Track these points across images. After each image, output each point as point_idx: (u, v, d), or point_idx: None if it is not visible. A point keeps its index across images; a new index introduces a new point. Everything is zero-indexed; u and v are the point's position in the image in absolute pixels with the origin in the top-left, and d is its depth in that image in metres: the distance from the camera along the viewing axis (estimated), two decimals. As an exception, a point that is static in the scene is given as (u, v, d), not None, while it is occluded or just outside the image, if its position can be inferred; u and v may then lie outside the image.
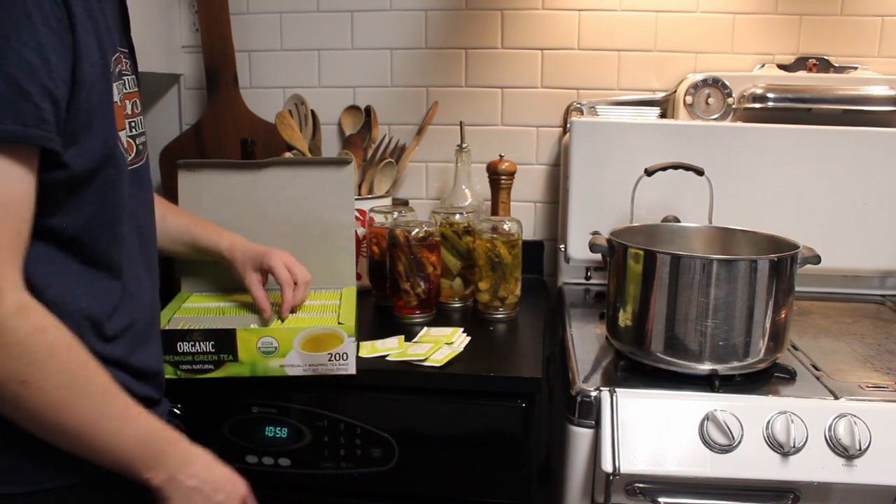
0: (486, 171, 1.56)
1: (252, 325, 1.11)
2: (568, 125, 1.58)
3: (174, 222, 1.17)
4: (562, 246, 1.52)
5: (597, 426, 1.02)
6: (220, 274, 1.24)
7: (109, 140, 0.79)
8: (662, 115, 1.60)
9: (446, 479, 1.14)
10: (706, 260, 1.03)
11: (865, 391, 1.03)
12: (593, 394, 1.03)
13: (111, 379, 0.78)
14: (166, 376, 1.05)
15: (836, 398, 1.01)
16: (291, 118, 1.59)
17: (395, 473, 1.14)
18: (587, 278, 1.57)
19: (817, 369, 1.13)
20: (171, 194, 1.36)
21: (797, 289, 1.08)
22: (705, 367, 1.05)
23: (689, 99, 1.53)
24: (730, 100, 1.52)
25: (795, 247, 1.08)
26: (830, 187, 1.44)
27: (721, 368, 1.05)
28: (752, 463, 0.96)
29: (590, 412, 1.02)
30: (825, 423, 0.97)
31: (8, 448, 0.77)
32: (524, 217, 1.67)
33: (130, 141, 0.88)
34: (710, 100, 1.52)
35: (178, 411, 1.12)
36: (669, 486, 0.99)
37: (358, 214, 1.47)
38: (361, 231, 1.48)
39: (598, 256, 1.16)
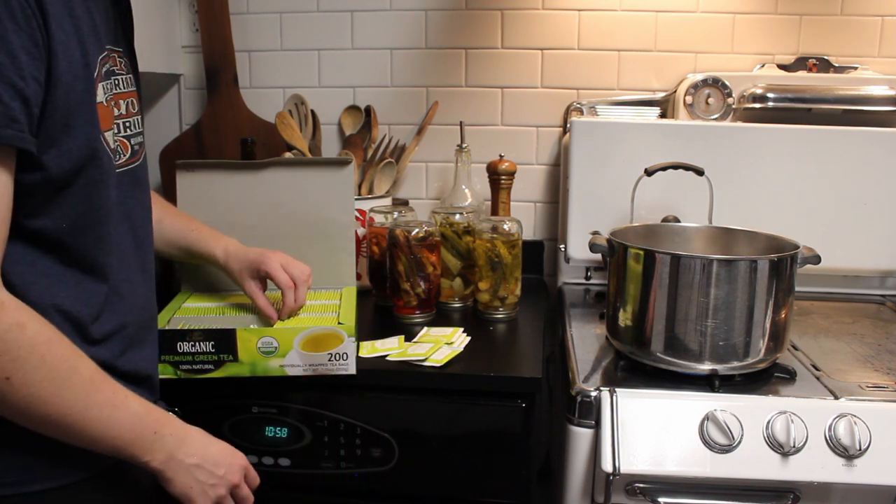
0: (486, 171, 1.56)
1: (252, 325, 1.11)
2: (568, 125, 1.58)
3: (170, 226, 1.16)
4: (562, 246, 1.52)
5: (597, 426, 1.02)
6: (220, 274, 1.24)
7: (92, 141, 0.78)
8: (662, 115, 1.60)
9: (446, 479, 1.14)
10: (706, 260, 1.03)
11: (865, 391, 1.03)
12: (593, 394, 1.03)
13: (97, 368, 0.78)
14: (166, 377, 1.06)
15: (836, 398, 1.01)
16: (291, 118, 1.59)
17: (395, 473, 1.14)
18: (587, 278, 1.57)
19: (817, 369, 1.13)
20: (170, 194, 1.35)
21: (797, 289, 1.08)
22: (705, 367, 1.05)
23: (689, 99, 1.53)
24: (730, 100, 1.52)
25: (795, 247, 1.08)
26: (830, 187, 1.44)
27: (721, 368, 1.05)
28: (752, 463, 0.96)
29: (590, 412, 1.02)
30: (825, 423, 0.97)
31: None
32: (524, 217, 1.67)
33: (124, 141, 0.87)
34: (710, 100, 1.52)
35: (178, 412, 1.12)
36: (669, 486, 0.99)
37: (358, 214, 1.47)
38: (361, 231, 1.48)
39: (598, 256, 1.16)
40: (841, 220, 1.45)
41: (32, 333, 0.72)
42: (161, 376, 1.01)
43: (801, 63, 1.57)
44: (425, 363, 1.14)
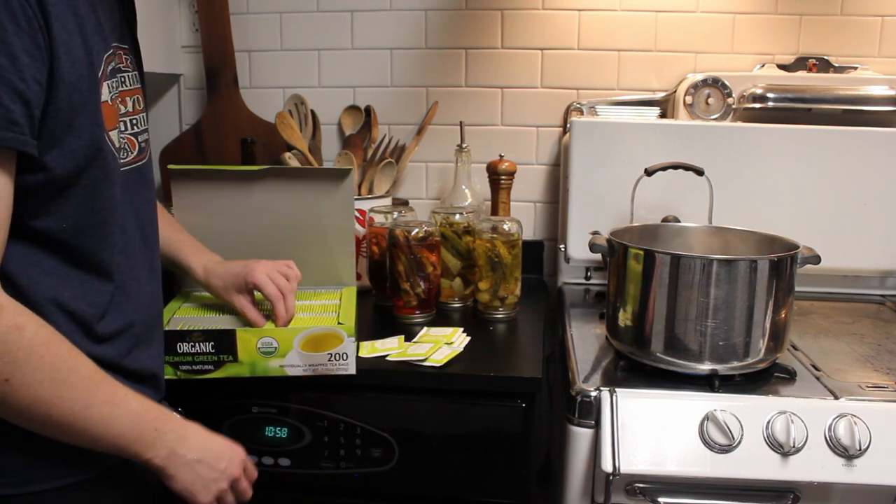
0: (486, 171, 1.56)
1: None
2: (568, 125, 1.58)
3: (160, 232, 1.15)
4: (562, 246, 1.52)
5: (597, 426, 1.02)
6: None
7: (96, 140, 0.77)
8: (662, 115, 1.60)
9: (446, 479, 1.14)
10: (706, 260, 1.03)
11: (865, 391, 1.03)
12: (593, 394, 1.03)
13: (96, 367, 0.78)
14: (166, 377, 1.05)
15: (836, 398, 1.01)
16: (291, 118, 1.59)
17: (395, 473, 1.14)
18: (587, 278, 1.57)
19: (817, 369, 1.13)
20: (170, 195, 1.35)
21: (797, 289, 1.08)
22: (705, 367, 1.05)
23: (689, 99, 1.53)
24: (730, 100, 1.52)
25: (795, 247, 1.08)
26: (830, 187, 1.44)
27: (721, 368, 1.05)
28: (752, 463, 0.96)
29: (590, 412, 1.02)
30: (825, 423, 0.97)
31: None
32: (524, 217, 1.67)
33: (131, 138, 0.87)
34: (710, 100, 1.52)
35: (178, 412, 1.12)
36: (669, 486, 0.99)
37: (358, 214, 1.47)
38: (361, 231, 1.48)
39: (598, 256, 1.16)
40: (841, 220, 1.45)
41: (31, 335, 0.72)
42: (161, 376, 1.01)
43: (801, 63, 1.57)
44: (425, 363, 1.14)
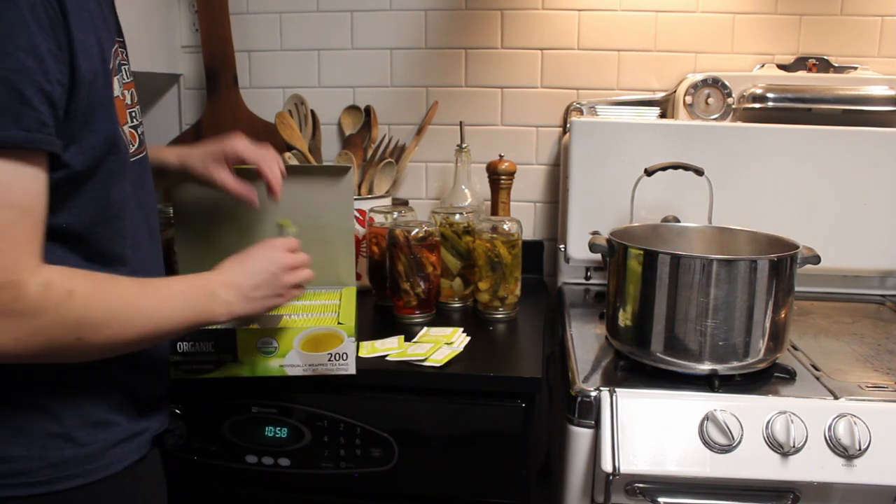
0: (486, 171, 1.56)
1: (252, 325, 1.11)
2: (568, 125, 1.58)
3: None
4: (562, 246, 1.52)
5: (597, 426, 1.02)
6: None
7: (112, 135, 0.79)
8: (662, 115, 1.60)
9: (446, 479, 1.14)
10: (706, 260, 1.03)
11: (865, 391, 1.03)
12: (593, 394, 1.03)
13: (133, 281, 0.81)
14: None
15: (836, 398, 1.01)
16: (291, 118, 1.59)
17: (395, 473, 1.14)
18: (587, 278, 1.57)
19: (817, 369, 1.13)
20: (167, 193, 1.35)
21: (797, 289, 1.08)
22: (705, 367, 1.05)
23: (688, 99, 1.53)
24: (730, 100, 1.52)
25: (795, 247, 1.08)
26: (830, 187, 1.44)
27: (721, 368, 1.05)
28: (752, 463, 0.96)
29: (590, 412, 1.02)
30: (825, 423, 0.97)
31: (19, 447, 0.78)
32: (524, 217, 1.67)
33: (132, 132, 0.88)
34: (710, 100, 1.52)
35: (178, 412, 1.12)
36: (669, 486, 0.99)
37: (358, 214, 1.47)
38: (361, 231, 1.48)
39: (598, 256, 1.16)
40: (841, 220, 1.45)
41: (81, 293, 0.74)
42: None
43: (800, 63, 1.57)
44: (425, 363, 1.14)
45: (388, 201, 1.57)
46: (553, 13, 1.62)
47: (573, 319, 1.36)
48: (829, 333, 1.30)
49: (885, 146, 1.42)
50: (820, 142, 1.43)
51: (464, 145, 1.58)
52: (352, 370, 1.10)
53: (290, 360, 1.08)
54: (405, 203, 1.64)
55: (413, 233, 1.32)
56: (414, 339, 1.24)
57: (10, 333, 0.70)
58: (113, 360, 0.82)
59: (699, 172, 1.29)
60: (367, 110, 1.68)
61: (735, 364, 1.05)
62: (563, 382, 1.13)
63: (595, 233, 1.19)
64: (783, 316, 1.06)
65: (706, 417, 0.98)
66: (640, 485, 0.99)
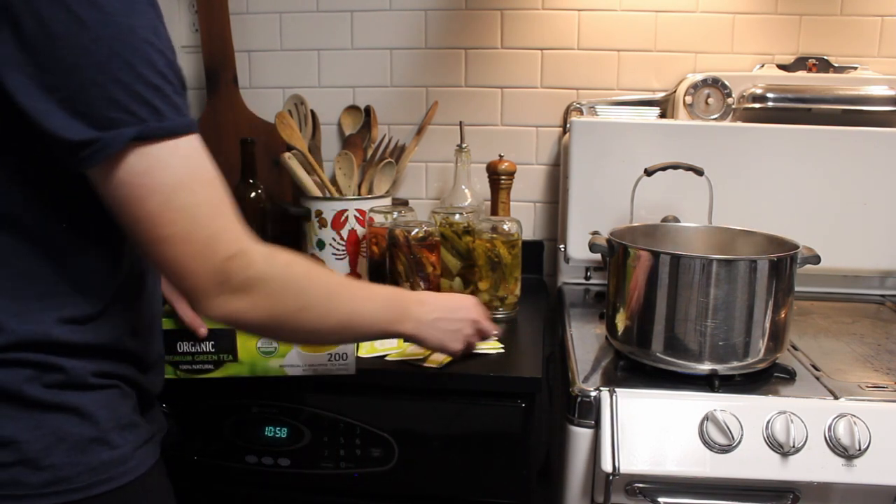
0: (486, 171, 1.56)
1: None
2: (568, 125, 1.58)
3: None
4: (562, 246, 1.52)
5: (596, 426, 1.02)
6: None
7: None
8: (662, 115, 1.60)
9: (446, 479, 1.14)
10: (706, 260, 1.03)
11: (865, 391, 1.03)
12: (593, 394, 1.03)
13: (336, 272, 0.86)
14: (166, 376, 1.05)
15: (836, 398, 1.01)
16: (291, 118, 1.59)
17: (395, 473, 1.14)
18: (587, 278, 1.57)
19: (817, 369, 1.13)
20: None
21: (797, 289, 1.08)
22: (705, 367, 1.05)
23: (688, 99, 1.53)
24: (729, 100, 1.52)
25: (795, 247, 1.08)
26: (830, 187, 1.44)
27: (721, 368, 1.05)
28: (752, 463, 0.96)
29: (589, 412, 1.02)
30: (825, 423, 0.97)
31: (60, 454, 0.78)
32: (524, 217, 1.67)
33: None
34: (710, 100, 1.53)
35: (165, 410, 1.11)
36: (669, 486, 0.99)
37: (358, 214, 1.47)
38: (361, 231, 1.48)
39: (598, 256, 1.16)
40: (841, 220, 1.45)
41: (300, 266, 0.80)
42: (161, 376, 1.01)
43: (800, 63, 1.57)
44: (425, 363, 1.14)
45: (387, 201, 1.57)
46: (553, 13, 1.62)
47: (573, 319, 1.36)
48: (829, 333, 1.30)
49: (885, 146, 1.42)
50: (820, 142, 1.43)
51: (464, 145, 1.58)
52: (352, 370, 1.10)
53: (289, 360, 1.08)
54: (405, 203, 1.64)
55: (413, 233, 1.32)
56: (414, 339, 1.24)
57: (244, 300, 0.74)
58: (128, 359, 0.82)
59: (699, 172, 1.29)
60: (367, 110, 1.68)
61: (735, 364, 1.05)
62: (563, 382, 1.13)
63: (595, 233, 1.19)
64: (783, 316, 1.06)
65: (706, 417, 0.98)
66: (640, 485, 0.99)
